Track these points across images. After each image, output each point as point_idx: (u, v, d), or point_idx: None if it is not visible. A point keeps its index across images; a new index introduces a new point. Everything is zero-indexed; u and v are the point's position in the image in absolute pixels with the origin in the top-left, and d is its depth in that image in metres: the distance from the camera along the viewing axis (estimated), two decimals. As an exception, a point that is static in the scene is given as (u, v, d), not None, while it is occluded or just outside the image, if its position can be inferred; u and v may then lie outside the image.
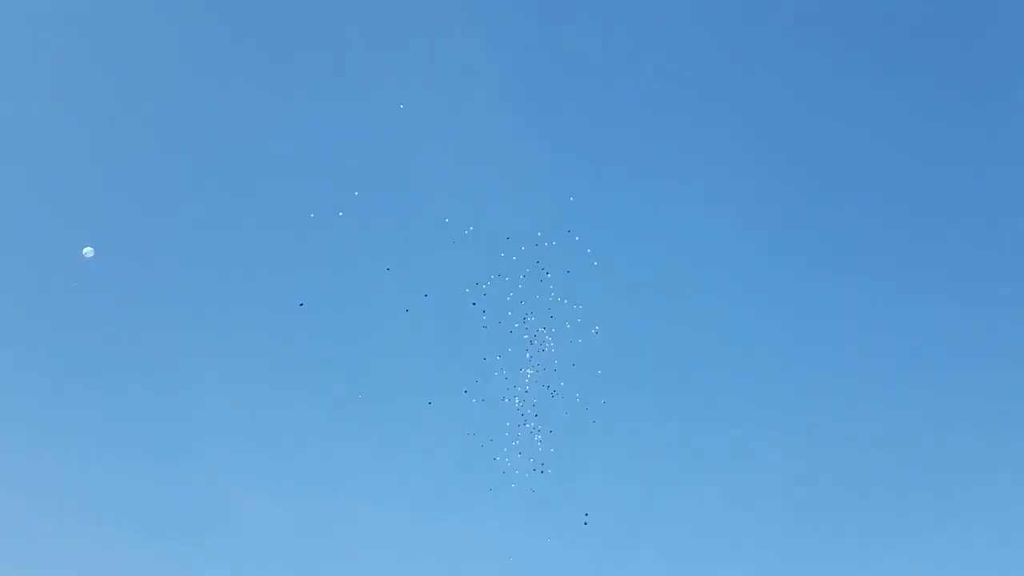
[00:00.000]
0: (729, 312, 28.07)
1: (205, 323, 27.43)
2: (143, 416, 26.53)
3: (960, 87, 29.50)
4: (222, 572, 25.12)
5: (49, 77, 27.17)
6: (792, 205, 29.44)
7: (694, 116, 29.37)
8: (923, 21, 29.60)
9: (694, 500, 26.36)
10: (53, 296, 26.43)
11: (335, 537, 25.81)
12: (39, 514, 25.05)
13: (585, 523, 23.45)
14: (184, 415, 26.59)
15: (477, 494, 25.33)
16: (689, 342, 27.95)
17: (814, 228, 29.32)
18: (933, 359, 28.06)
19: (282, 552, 25.45)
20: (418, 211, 26.59)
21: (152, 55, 27.64)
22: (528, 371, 22.36)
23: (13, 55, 26.93)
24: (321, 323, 26.72)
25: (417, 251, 25.83)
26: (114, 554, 24.92)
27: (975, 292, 28.44)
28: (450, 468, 25.75)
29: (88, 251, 19.55)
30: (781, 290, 28.59)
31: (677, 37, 29.55)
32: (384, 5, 28.50)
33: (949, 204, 29.26)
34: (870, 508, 26.45)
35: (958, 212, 29.18)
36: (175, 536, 25.41)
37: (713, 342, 27.91)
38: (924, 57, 29.65)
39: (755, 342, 27.96)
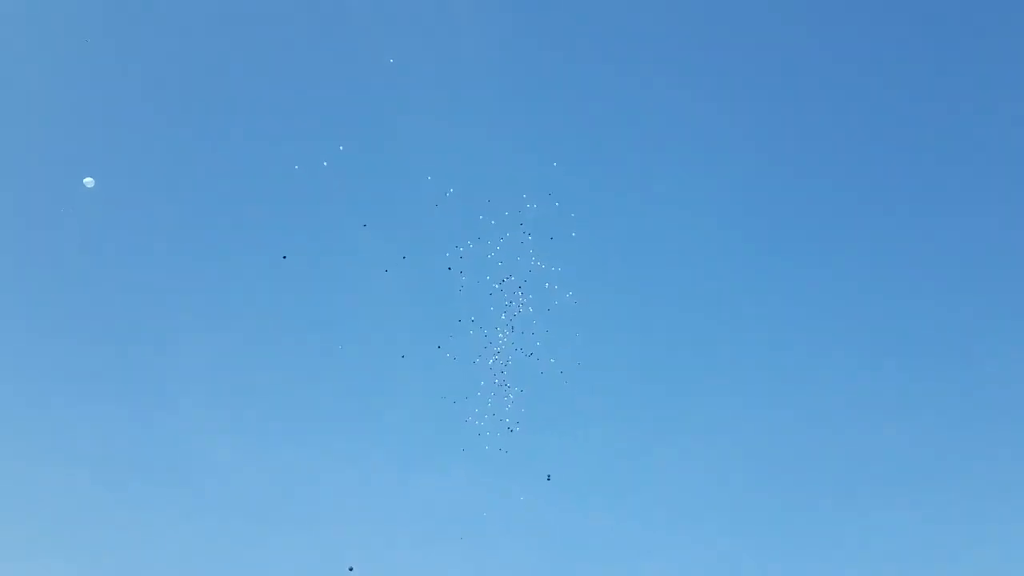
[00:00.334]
0: (706, 282, 28.44)
1: (182, 272, 27.43)
2: (116, 364, 26.60)
3: (953, 82, 29.79)
4: (188, 521, 25.25)
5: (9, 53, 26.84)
6: (774, 178, 29.67)
7: (681, 84, 29.48)
8: (914, 15, 29.81)
9: (669, 462, 26.92)
10: (33, 246, 26.44)
11: (306, 491, 25.94)
12: (10, 456, 25.14)
13: (548, 479, 23.62)
14: (157, 364, 26.67)
15: (449, 451, 25.56)
16: (667, 311, 28.30)
17: (795, 200, 29.61)
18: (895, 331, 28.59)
19: (250, 504, 25.54)
20: (403, 170, 26.66)
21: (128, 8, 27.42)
22: (502, 333, 22.51)
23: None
24: (299, 277, 26.83)
25: (399, 211, 25.96)
26: (80, 496, 25.11)
27: (949, 283, 28.96)
28: (423, 426, 25.92)
29: (89, 181, 19.48)
30: (758, 260, 28.95)
31: (667, 10, 29.63)
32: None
33: (933, 200, 29.63)
34: (830, 472, 27.08)
35: (946, 209, 29.54)
36: (142, 482, 25.48)
37: (691, 312, 28.27)
38: (907, 50, 29.88)
39: (730, 311, 28.33)
